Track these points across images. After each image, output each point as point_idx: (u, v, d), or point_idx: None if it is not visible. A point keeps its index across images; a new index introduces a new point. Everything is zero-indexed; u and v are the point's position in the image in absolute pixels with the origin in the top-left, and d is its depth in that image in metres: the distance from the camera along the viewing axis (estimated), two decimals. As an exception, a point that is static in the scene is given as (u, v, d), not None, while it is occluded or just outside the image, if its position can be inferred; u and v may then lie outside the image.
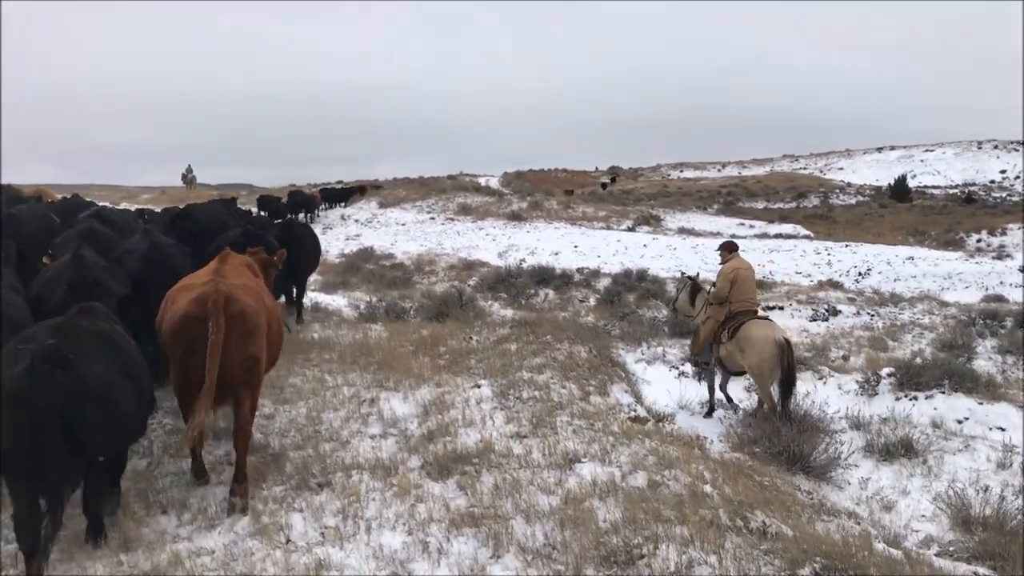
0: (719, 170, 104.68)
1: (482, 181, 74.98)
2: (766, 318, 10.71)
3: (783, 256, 30.21)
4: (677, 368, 14.36)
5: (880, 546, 5.34)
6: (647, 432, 7.00)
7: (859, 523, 6.24)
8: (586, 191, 72.97)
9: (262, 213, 32.07)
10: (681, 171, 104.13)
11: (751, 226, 48.21)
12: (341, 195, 47.02)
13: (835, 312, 20.85)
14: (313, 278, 26.15)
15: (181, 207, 17.03)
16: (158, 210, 22.08)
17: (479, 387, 8.36)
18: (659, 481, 5.77)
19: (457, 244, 33.24)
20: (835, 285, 25.83)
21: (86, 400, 4.80)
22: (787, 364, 9.61)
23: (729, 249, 11.14)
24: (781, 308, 21.54)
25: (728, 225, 47.27)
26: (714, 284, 10.83)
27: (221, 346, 5.74)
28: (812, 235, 45.99)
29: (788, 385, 9.65)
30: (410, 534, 5.18)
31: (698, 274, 12.71)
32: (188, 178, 59.50)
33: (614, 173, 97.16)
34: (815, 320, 20.28)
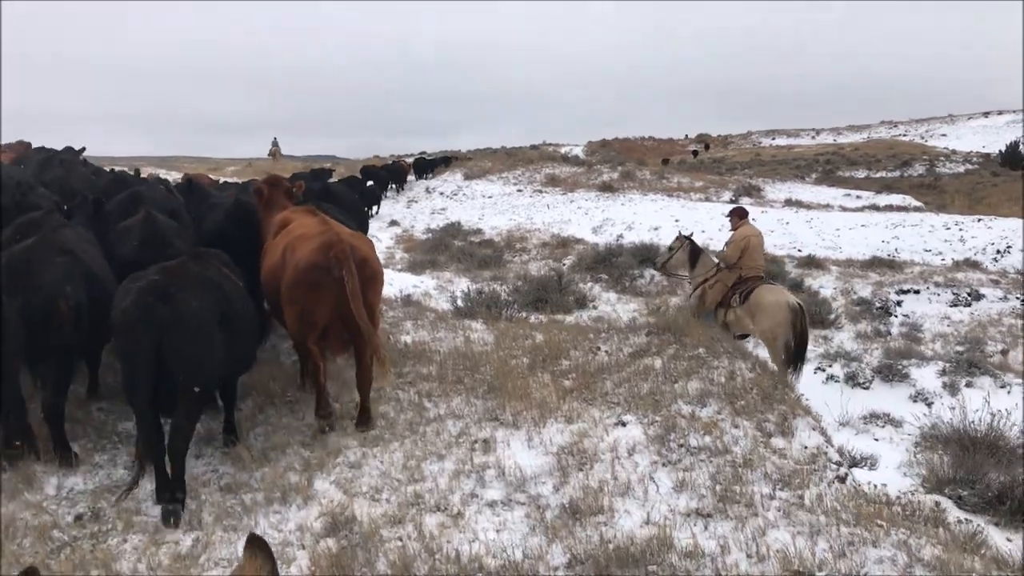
0: (813, 137, 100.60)
1: (565, 151, 72.70)
2: (775, 283, 11.05)
3: (909, 232, 27.26)
4: (823, 369, 12.21)
5: None
6: (892, 518, 4.88)
7: None
8: (675, 160, 70.00)
9: (369, 182, 33.86)
10: (773, 138, 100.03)
11: (857, 196, 44.83)
12: (429, 166, 45.52)
13: (978, 296, 18.30)
14: (399, 255, 24.76)
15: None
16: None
17: (624, 425, 6.35)
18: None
19: (548, 218, 31.14)
20: (973, 265, 22.97)
21: (182, 332, 5.19)
22: (800, 329, 9.73)
23: (739, 216, 11.38)
24: (916, 292, 18.98)
25: (834, 196, 44.01)
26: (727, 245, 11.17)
27: (359, 290, 6.02)
28: (923, 206, 42.85)
29: (800, 350, 9.78)
30: None
31: (692, 233, 12.89)
32: (273, 151, 58.92)
33: (704, 141, 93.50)
34: (956, 305, 17.84)
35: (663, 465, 5.65)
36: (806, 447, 6.09)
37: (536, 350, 8.54)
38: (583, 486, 5.32)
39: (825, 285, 20.71)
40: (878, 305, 18.35)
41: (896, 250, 25.07)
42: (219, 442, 6.35)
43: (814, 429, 6.48)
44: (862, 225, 28.15)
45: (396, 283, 18.92)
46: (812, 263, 22.50)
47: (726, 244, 11.52)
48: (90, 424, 6.65)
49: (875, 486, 5.52)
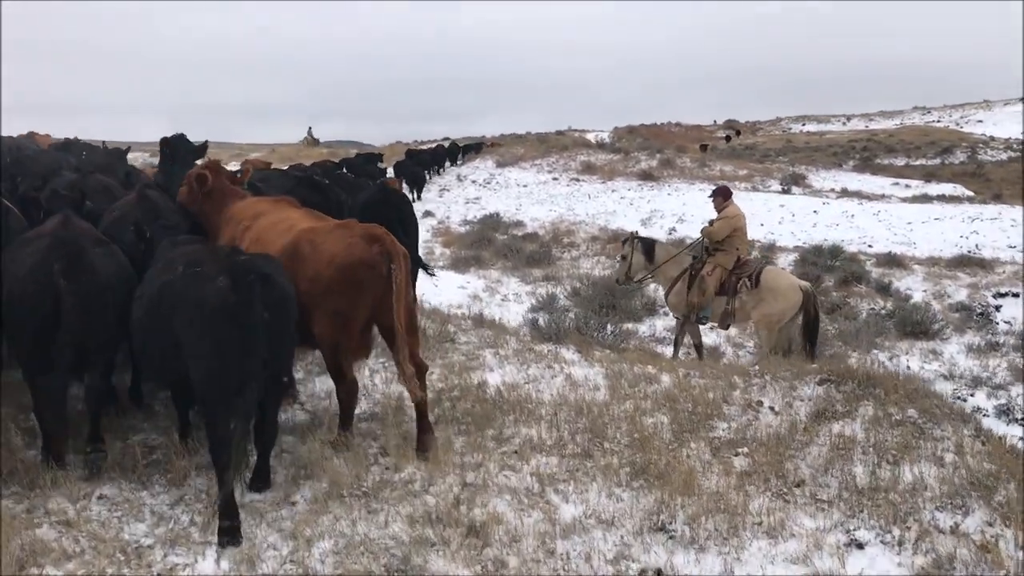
0: (844, 123, 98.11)
1: (591, 137, 70.45)
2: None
3: (988, 226, 24.94)
4: (962, 399, 10.13)
5: None
6: None
7: None
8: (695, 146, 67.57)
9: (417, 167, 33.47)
10: (803, 124, 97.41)
11: (907, 185, 42.65)
12: (463, 151, 44.15)
13: (1086, 297, 16.45)
14: (439, 250, 22.76)
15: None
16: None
17: (862, 547, 4.31)
18: None
19: (591, 209, 29.01)
20: (1071, 263, 20.86)
21: (285, 313, 4.83)
22: (814, 310, 9.76)
23: (724, 196, 10.92)
24: (1016, 295, 16.91)
25: (881, 185, 41.81)
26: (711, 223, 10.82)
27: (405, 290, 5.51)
28: (974, 195, 40.61)
29: (814, 331, 9.78)
30: None
31: (636, 231, 12.59)
32: (308, 140, 59.45)
33: (734, 127, 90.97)
34: (1066, 312, 15.81)
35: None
36: None
37: (669, 401, 6.48)
38: None
39: (912, 287, 18.59)
40: (978, 311, 16.34)
41: (977, 246, 22.89)
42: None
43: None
44: (935, 218, 25.91)
45: (442, 284, 16.95)
46: (893, 261, 20.33)
47: (709, 223, 11.05)
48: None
49: None
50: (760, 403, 6.25)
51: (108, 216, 6.67)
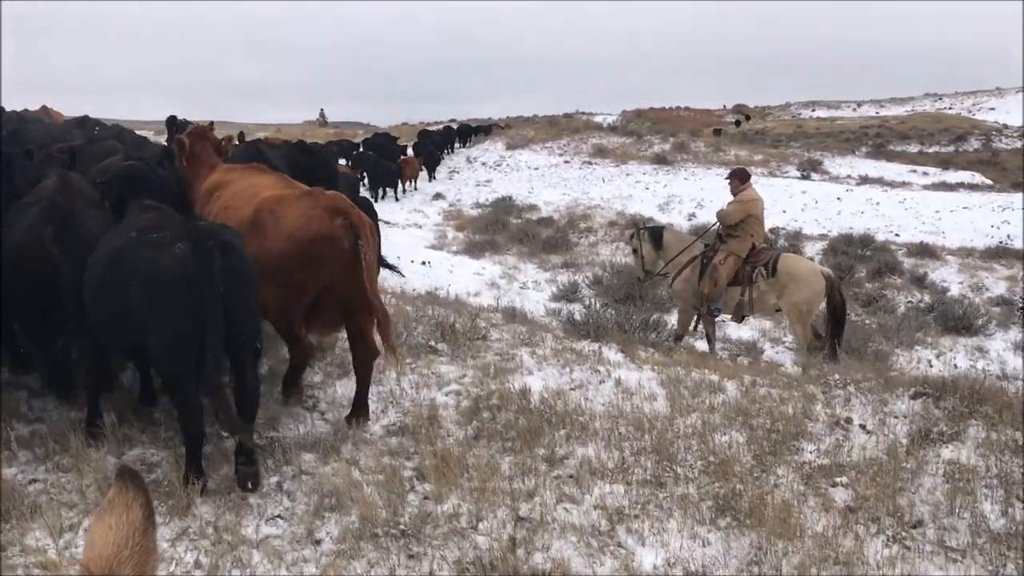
0: (854, 109, 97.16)
1: (599, 120, 69.27)
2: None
3: (1020, 216, 24.06)
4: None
5: None
6: None
7: None
8: (709, 130, 66.57)
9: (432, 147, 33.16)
10: (813, 110, 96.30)
11: (925, 173, 41.80)
12: (472, 133, 43.28)
13: None
14: (452, 234, 21.93)
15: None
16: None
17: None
18: None
19: (606, 193, 28.15)
20: (1107, 253, 20.00)
21: (247, 279, 4.59)
22: (839, 298, 9.28)
23: (741, 179, 10.23)
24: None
25: (899, 172, 40.89)
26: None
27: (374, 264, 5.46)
28: (993, 184, 39.76)
29: (840, 321, 9.31)
30: None
31: (641, 219, 11.62)
32: (320, 121, 61.25)
33: (743, 111, 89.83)
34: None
35: None
36: None
37: (741, 415, 5.67)
38: None
39: (947, 279, 17.82)
40: (1020, 305, 15.60)
41: (1009, 236, 22.08)
42: None
43: None
44: (964, 207, 25.03)
45: (457, 269, 16.16)
46: (925, 252, 19.52)
47: (728, 205, 10.22)
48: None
49: None
50: (849, 420, 5.43)
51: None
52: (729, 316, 10.34)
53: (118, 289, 4.50)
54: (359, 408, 5.60)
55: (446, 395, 6.18)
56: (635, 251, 10.86)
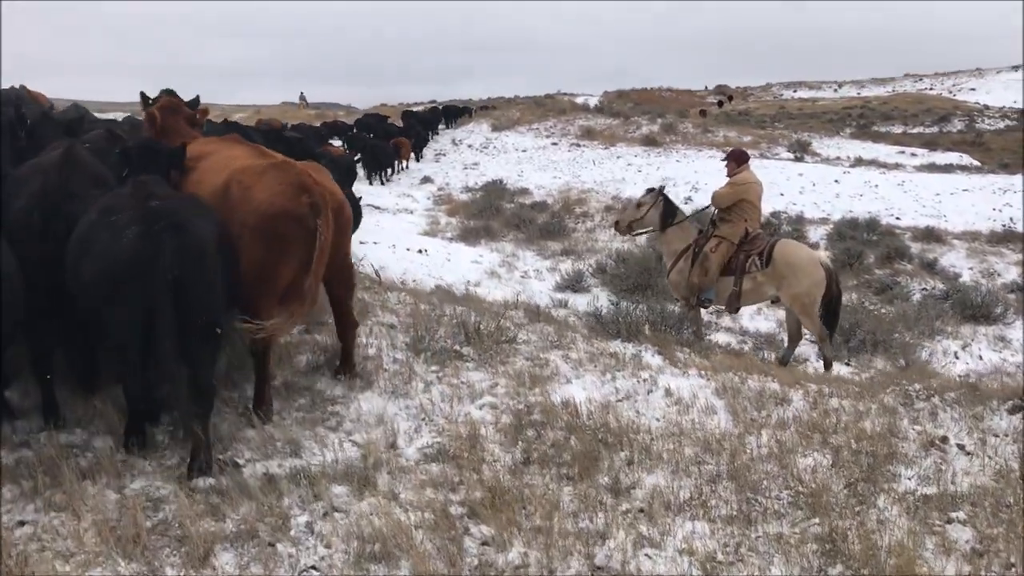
0: (835, 90, 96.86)
1: (580, 101, 68.53)
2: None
3: (1019, 199, 23.71)
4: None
5: None
6: None
7: None
8: (696, 111, 66.07)
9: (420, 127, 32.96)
10: (795, 91, 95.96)
11: (913, 154, 41.46)
12: (457, 114, 42.56)
13: None
14: (444, 220, 21.22)
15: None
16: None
17: None
18: None
19: (598, 176, 27.49)
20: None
21: (201, 263, 4.47)
22: (836, 288, 9.04)
23: (738, 160, 9.63)
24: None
25: (887, 153, 40.59)
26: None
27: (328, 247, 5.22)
28: (982, 165, 39.57)
29: (835, 312, 9.10)
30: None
31: (664, 186, 10.66)
32: (302, 104, 61.14)
33: (725, 92, 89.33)
34: None
35: None
36: None
37: (818, 432, 5.07)
38: None
39: (957, 264, 17.38)
40: (1033, 290, 15.26)
41: (1012, 219, 21.67)
42: None
43: None
44: (964, 189, 24.62)
45: (455, 257, 15.48)
46: (931, 236, 19.06)
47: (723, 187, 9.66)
48: None
49: None
50: (945, 439, 4.84)
51: None
52: (723, 307, 9.68)
53: (79, 271, 4.50)
54: (345, 363, 5.97)
55: (481, 409, 5.55)
56: (639, 204, 10.05)
